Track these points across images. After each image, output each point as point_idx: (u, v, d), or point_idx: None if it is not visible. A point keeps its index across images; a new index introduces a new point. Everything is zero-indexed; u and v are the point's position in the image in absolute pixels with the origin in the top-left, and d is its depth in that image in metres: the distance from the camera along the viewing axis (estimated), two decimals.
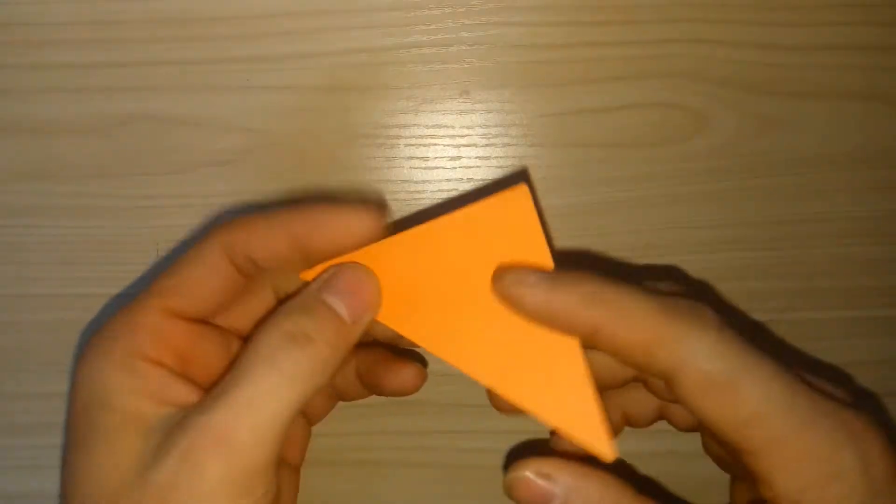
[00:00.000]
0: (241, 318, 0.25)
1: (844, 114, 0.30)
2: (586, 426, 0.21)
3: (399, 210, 0.30)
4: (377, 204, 0.23)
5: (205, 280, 0.23)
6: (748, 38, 0.30)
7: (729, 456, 0.24)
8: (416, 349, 0.27)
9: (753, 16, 0.29)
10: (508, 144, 0.30)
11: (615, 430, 0.27)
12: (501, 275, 0.21)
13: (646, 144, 0.30)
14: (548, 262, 0.22)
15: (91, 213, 0.30)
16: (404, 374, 0.26)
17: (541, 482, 0.20)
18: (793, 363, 0.21)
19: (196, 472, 0.19)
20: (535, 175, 0.30)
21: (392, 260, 0.22)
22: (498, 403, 0.25)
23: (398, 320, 0.22)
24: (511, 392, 0.21)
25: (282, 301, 0.25)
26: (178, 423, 0.20)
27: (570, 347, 0.21)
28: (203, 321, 0.23)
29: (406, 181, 0.30)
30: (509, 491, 0.21)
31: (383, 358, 0.26)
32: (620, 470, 0.21)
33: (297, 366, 0.20)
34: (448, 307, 0.22)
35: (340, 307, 0.21)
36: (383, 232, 0.22)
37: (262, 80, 0.30)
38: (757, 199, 0.30)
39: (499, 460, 0.32)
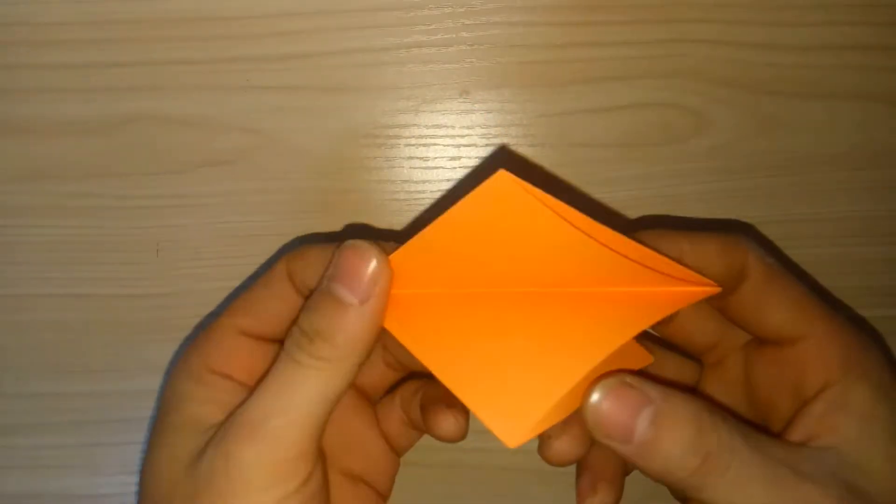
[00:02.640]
0: None
1: (844, 114, 0.30)
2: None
3: (400, 210, 0.30)
4: None
5: (271, 304, 0.24)
6: (748, 38, 0.30)
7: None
8: None
9: (753, 16, 0.29)
10: (508, 144, 0.30)
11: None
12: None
13: (646, 144, 0.30)
14: (564, 228, 0.21)
15: (91, 213, 0.30)
16: (444, 423, 0.25)
17: (635, 388, 0.20)
18: None
19: (230, 460, 0.20)
20: (535, 175, 0.30)
21: (405, 270, 0.22)
22: (546, 454, 0.25)
23: (404, 329, 0.22)
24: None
25: None
26: (221, 422, 0.22)
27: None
28: (273, 340, 0.25)
29: (406, 181, 0.30)
30: (595, 409, 0.20)
31: (430, 400, 0.26)
32: None
33: (313, 358, 0.21)
34: (460, 318, 0.22)
35: (343, 292, 0.21)
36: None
37: (262, 80, 0.30)
38: (757, 198, 0.30)
39: (499, 460, 0.32)
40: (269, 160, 0.30)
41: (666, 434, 0.20)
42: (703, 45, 0.30)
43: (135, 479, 0.31)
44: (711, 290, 0.22)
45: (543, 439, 0.25)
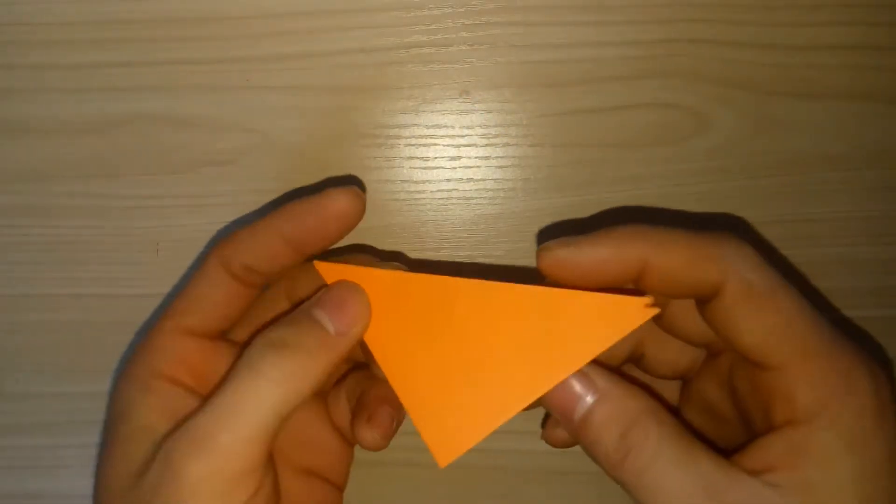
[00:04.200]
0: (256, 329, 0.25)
1: (844, 114, 0.30)
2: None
3: (400, 210, 0.30)
4: (353, 186, 0.23)
5: (209, 296, 0.24)
6: (748, 38, 0.30)
7: (732, 400, 0.23)
8: None
9: (753, 16, 0.29)
10: (508, 144, 0.30)
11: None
12: (546, 253, 0.21)
13: (645, 144, 0.30)
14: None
15: (91, 213, 0.30)
16: (370, 433, 0.25)
17: (584, 375, 0.21)
18: None
19: (177, 474, 0.20)
20: (535, 175, 0.30)
21: (406, 292, 0.22)
22: (550, 437, 0.26)
23: (379, 345, 0.23)
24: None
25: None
26: (169, 433, 0.21)
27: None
28: (219, 338, 0.25)
29: (406, 181, 0.30)
30: None
31: (360, 406, 0.26)
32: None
33: (275, 369, 0.21)
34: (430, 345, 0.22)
35: (324, 319, 0.22)
36: (362, 212, 0.23)
37: (262, 80, 0.30)
38: (756, 199, 0.30)
39: (499, 460, 0.32)
40: (269, 160, 0.30)
41: (596, 426, 0.21)
42: (703, 45, 0.30)
43: None
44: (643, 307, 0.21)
45: (550, 424, 0.26)
